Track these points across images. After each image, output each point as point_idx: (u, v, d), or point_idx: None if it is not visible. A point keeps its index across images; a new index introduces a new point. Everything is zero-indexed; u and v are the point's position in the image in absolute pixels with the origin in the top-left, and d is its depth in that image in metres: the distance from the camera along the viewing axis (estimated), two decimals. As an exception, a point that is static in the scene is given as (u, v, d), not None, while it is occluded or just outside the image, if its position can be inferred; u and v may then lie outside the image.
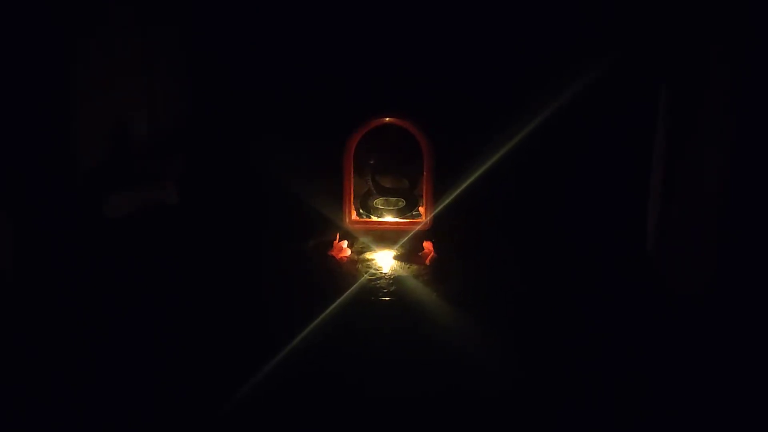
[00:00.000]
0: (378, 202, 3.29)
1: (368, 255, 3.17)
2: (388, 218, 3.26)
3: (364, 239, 3.23)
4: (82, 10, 2.85)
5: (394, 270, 3.02)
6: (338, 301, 2.68)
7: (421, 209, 3.26)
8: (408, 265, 3.06)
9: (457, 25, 3.59)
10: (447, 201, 3.19)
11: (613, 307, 2.60)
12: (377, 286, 2.86)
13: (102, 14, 3.12)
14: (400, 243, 3.19)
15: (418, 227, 3.19)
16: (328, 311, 2.58)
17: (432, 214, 3.19)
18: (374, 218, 3.27)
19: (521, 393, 2.16)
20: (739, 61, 2.26)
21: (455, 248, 3.16)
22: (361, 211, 3.29)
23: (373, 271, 2.99)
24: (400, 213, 3.27)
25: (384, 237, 3.21)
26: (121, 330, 2.48)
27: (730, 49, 2.31)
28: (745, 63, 2.24)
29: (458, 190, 3.20)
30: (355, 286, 2.83)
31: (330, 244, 3.19)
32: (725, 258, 2.37)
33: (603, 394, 2.16)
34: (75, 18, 2.73)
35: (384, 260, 3.11)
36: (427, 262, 3.06)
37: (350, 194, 3.22)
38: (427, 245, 3.14)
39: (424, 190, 3.20)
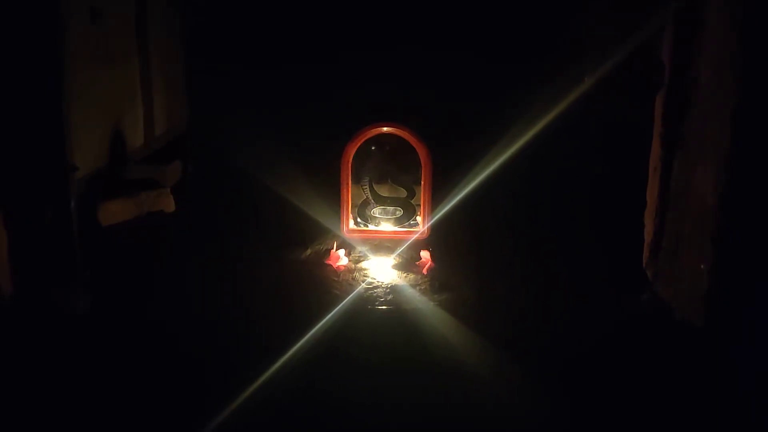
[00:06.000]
0: (375, 211, 3.29)
1: (365, 264, 3.15)
2: (386, 227, 3.26)
3: (361, 248, 3.22)
4: (77, 18, 2.84)
5: (392, 279, 3.01)
6: (335, 309, 2.66)
7: (419, 218, 3.25)
8: (405, 274, 3.05)
9: (455, 37, 3.61)
10: (445, 210, 3.19)
11: (609, 322, 2.60)
12: (374, 294, 2.85)
13: (99, 21, 3.11)
14: (398, 252, 3.18)
15: (415, 236, 3.18)
16: (325, 319, 2.56)
17: (430, 223, 3.18)
18: (372, 227, 3.26)
19: (520, 404, 2.15)
20: (733, 72, 2.26)
21: (453, 257, 3.15)
22: (358, 220, 3.28)
23: (371, 280, 2.98)
24: (398, 222, 3.26)
25: (381, 246, 3.21)
26: (115, 337, 2.46)
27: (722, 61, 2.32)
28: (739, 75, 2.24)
29: (456, 199, 3.21)
30: (352, 294, 2.82)
31: (327, 253, 3.18)
32: (719, 275, 2.36)
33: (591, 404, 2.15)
34: (69, 22, 2.73)
35: (381, 269, 3.10)
36: (425, 271, 3.05)
37: (348, 203, 3.21)
38: (425, 254, 3.14)
39: (422, 200, 3.20)
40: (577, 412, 2.10)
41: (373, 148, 3.24)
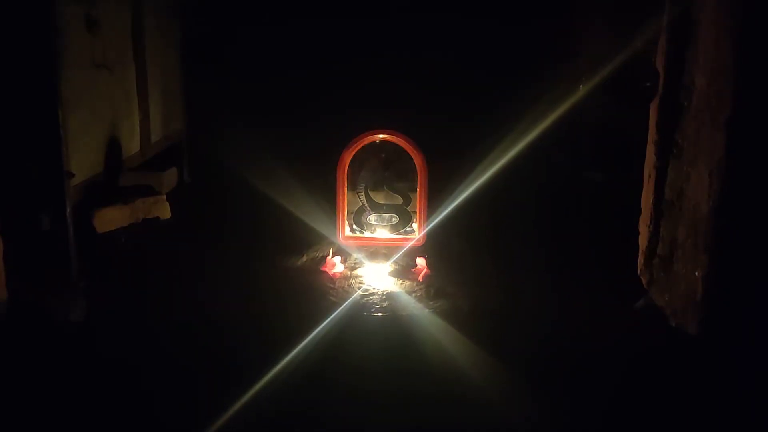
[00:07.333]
0: (371, 218, 3.29)
1: (361, 271, 3.15)
2: (382, 234, 3.26)
3: (357, 255, 3.22)
4: (73, 26, 2.85)
5: (387, 286, 3.01)
6: (331, 316, 2.66)
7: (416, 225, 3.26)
8: (401, 281, 3.04)
9: (451, 45, 3.63)
10: (441, 217, 3.20)
11: (605, 328, 2.60)
12: (370, 301, 2.85)
13: (95, 30, 3.12)
14: (394, 259, 3.18)
15: (411, 243, 3.18)
16: (320, 326, 2.56)
17: (425, 230, 3.19)
18: (368, 234, 3.26)
19: (516, 410, 2.15)
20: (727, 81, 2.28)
21: (449, 264, 3.15)
22: (354, 226, 3.29)
23: (366, 287, 2.98)
24: (394, 229, 3.26)
25: (377, 253, 3.21)
26: (109, 344, 2.45)
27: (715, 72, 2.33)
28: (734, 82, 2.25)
29: (452, 206, 3.21)
30: (348, 301, 2.82)
31: (323, 260, 3.18)
32: (714, 282, 2.36)
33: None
34: (65, 30, 2.74)
35: (377, 276, 3.10)
36: (421, 278, 3.05)
37: (344, 210, 3.21)
38: (421, 261, 3.14)
39: (418, 206, 3.20)
40: (573, 418, 2.10)
41: (368, 157, 3.25)
